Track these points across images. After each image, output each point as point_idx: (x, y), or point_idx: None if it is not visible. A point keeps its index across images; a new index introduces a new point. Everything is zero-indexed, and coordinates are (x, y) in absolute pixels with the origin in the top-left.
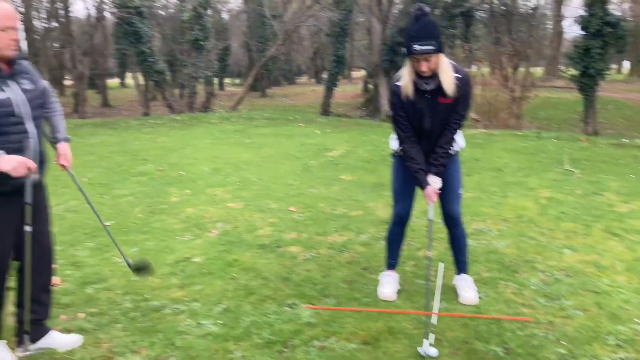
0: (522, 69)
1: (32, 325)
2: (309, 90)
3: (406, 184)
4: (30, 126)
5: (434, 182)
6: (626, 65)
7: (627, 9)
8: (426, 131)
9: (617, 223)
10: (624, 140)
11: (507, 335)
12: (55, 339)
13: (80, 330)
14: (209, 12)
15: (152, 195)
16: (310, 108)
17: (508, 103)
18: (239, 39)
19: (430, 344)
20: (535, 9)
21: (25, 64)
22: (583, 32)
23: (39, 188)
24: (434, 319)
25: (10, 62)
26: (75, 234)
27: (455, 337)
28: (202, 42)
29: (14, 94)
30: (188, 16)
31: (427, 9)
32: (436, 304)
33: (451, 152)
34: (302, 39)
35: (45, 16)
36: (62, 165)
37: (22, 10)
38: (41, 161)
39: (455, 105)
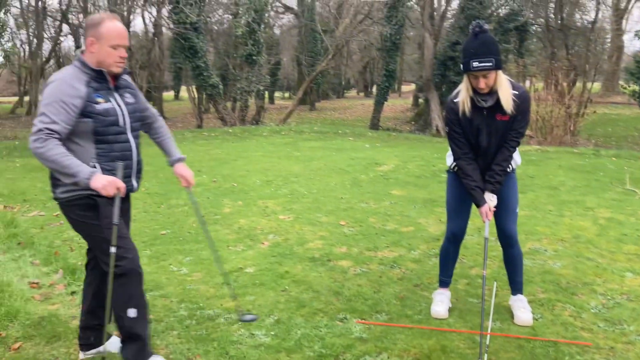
0: (579, 84)
1: (95, 330)
2: (358, 104)
3: (461, 201)
4: (130, 137)
5: (490, 200)
6: None
7: None
8: (482, 148)
9: None
10: None
11: (565, 359)
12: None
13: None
14: (262, 27)
15: (206, 206)
16: (359, 122)
17: (564, 119)
18: (290, 53)
19: None
20: (593, 22)
21: (128, 78)
22: None
23: (126, 198)
24: (487, 339)
25: (115, 76)
26: (134, 242)
27: (510, 359)
28: (254, 57)
29: (118, 105)
30: (242, 31)
31: (486, 26)
32: (490, 324)
33: (508, 169)
34: (352, 53)
35: None
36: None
37: None
38: (139, 170)
39: (512, 123)
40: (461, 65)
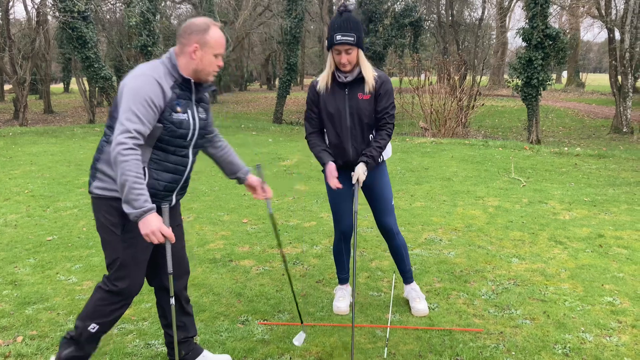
0: (468, 78)
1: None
2: (261, 97)
3: (340, 197)
4: (191, 153)
5: (362, 174)
6: (564, 75)
7: (564, 22)
8: (348, 129)
9: (561, 231)
10: (564, 148)
11: (459, 347)
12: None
13: (19, 356)
14: (157, 17)
15: None
16: (263, 115)
17: (456, 112)
18: None
19: (384, 358)
20: (480, 19)
21: (206, 93)
22: (525, 44)
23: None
24: (387, 332)
25: (197, 86)
26: (14, 250)
27: (410, 351)
28: (150, 48)
29: (192, 119)
30: (135, 21)
31: (351, 6)
32: (390, 316)
33: (382, 151)
34: (253, 45)
35: None
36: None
37: None
38: (184, 187)
39: (375, 103)
40: (326, 42)
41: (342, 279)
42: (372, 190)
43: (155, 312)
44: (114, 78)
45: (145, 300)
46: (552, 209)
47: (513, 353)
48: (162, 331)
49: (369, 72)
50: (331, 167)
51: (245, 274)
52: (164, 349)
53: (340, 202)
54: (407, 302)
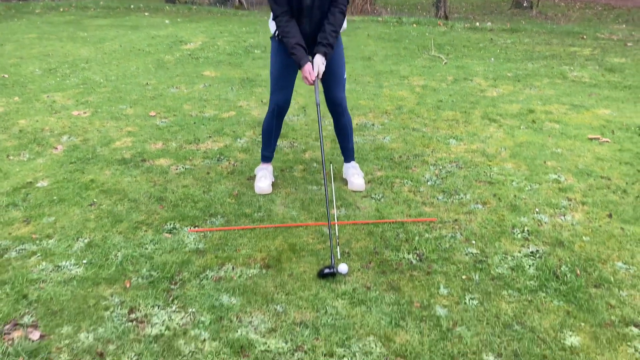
0: None
1: None
2: None
3: (286, 69)
4: None
5: (321, 64)
6: None
7: None
8: (307, 9)
9: (492, 108)
10: (477, 24)
11: (415, 240)
12: None
13: None
14: None
15: None
16: None
17: None
18: None
19: (338, 259)
20: None
21: None
22: None
23: None
24: (336, 229)
25: None
26: None
27: (364, 248)
28: None
29: None
30: None
31: None
32: (335, 212)
33: (338, 35)
34: None
35: None
36: None
37: None
38: None
39: None
40: None
41: (266, 157)
42: (326, 65)
43: (62, 227)
44: None
45: (46, 213)
46: (479, 85)
47: (473, 242)
48: (73, 250)
49: None
50: (308, 67)
51: (163, 175)
52: (79, 270)
53: (284, 75)
54: (351, 195)
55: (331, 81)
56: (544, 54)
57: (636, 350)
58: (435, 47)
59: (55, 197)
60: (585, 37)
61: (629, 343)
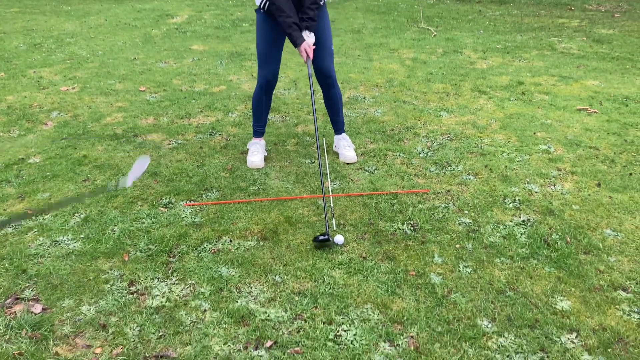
0: None
1: None
2: None
3: (272, 43)
4: None
5: (308, 37)
6: None
7: None
8: None
9: (482, 80)
10: None
11: (409, 210)
12: None
13: None
14: None
15: None
16: None
17: None
18: None
19: (334, 230)
20: None
21: None
22: None
23: None
24: (331, 202)
25: None
26: None
27: (359, 219)
28: None
29: None
30: None
31: None
32: (329, 184)
33: (318, 7)
34: None
35: None
36: None
37: None
38: None
39: None
40: None
41: (258, 132)
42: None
43: (59, 202)
44: None
45: (40, 189)
46: (468, 58)
47: (466, 212)
48: (70, 225)
49: None
50: (304, 46)
51: (156, 150)
52: (77, 245)
53: (272, 49)
54: (344, 167)
55: (319, 52)
56: (532, 26)
57: (624, 313)
58: (424, 19)
59: (48, 173)
60: (573, 8)
61: (617, 306)
